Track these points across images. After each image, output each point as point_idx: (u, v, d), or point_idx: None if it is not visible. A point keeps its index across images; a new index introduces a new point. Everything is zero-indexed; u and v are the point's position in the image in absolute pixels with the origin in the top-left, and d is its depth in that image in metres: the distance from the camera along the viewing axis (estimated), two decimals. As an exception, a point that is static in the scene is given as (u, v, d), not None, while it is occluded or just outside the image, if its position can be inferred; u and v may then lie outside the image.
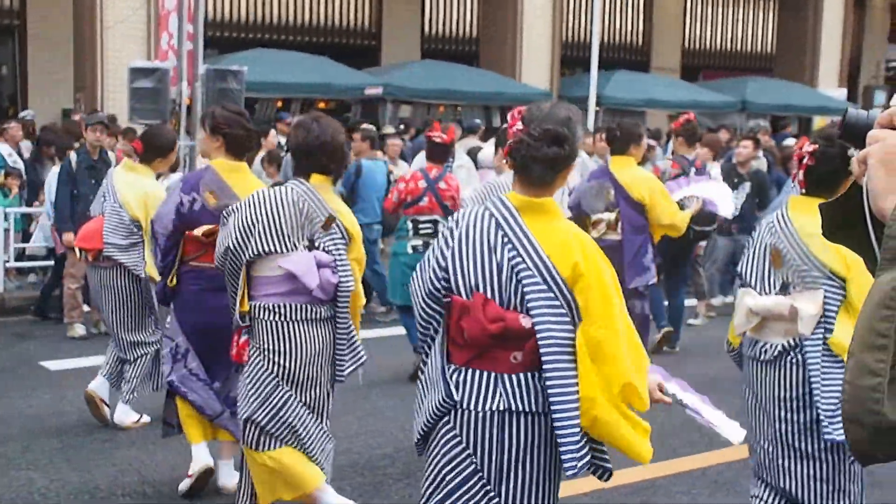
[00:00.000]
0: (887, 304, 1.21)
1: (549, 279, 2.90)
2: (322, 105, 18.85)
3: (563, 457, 2.91)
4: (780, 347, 3.76)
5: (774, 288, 3.79)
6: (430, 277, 3.02)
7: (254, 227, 4.21)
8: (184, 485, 5.16)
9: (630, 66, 21.91)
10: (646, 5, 24.20)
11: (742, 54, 25.84)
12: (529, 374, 2.92)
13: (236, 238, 4.22)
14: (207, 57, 14.20)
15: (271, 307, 4.25)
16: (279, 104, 17.52)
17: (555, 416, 2.89)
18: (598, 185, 7.35)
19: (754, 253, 3.86)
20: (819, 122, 20.06)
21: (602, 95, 18.55)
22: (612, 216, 7.31)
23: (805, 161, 3.61)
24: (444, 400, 2.98)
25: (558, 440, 2.91)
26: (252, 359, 4.31)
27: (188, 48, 13.08)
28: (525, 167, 2.96)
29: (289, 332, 4.26)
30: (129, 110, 12.24)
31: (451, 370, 2.99)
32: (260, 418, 4.31)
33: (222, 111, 5.05)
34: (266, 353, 4.28)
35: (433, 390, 3.03)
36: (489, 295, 2.92)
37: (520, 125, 2.93)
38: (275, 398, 4.30)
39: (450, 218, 3.10)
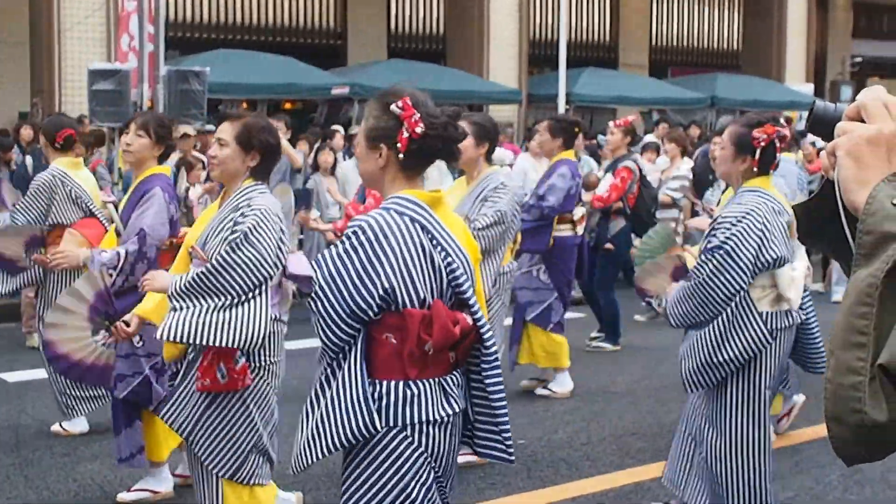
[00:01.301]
0: (864, 301, 1.21)
1: (469, 271, 2.97)
2: (288, 106, 18.64)
3: (507, 443, 3.01)
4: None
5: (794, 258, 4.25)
6: (352, 295, 2.80)
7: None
8: (132, 496, 5.03)
9: (598, 64, 21.91)
10: (612, 3, 24.28)
11: (709, 51, 26.06)
12: (459, 372, 2.98)
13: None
14: (169, 58, 14.00)
15: (277, 317, 3.99)
16: (244, 105, 17.28)
17: (498, 404, 2.98)
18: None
19: (779, 234, 4.14)
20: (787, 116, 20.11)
21: (571, 93, 18.54)
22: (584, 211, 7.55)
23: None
24: (395, 419, 2.87)
25: (502, 428, 2.99)
26: (257, 380, 3.97)
27: (149, 49, 12.85)
28: (429, 159, 2.97)
29: (283, 344, 4.11)
30: (89, 113, 12.00)
31: (400, 386, 2.87)
32: (267, 445, 4.05)
33: (163, 118, 5.20)
34: (269, 368, 4.00)
35: (354, 409, 2.84)
36: (437, 298, 2.89)
37: (417, 116, 2.85)
38: (275, 418, 4.11)
39: (355, 230, 2.84)
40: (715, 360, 4.13)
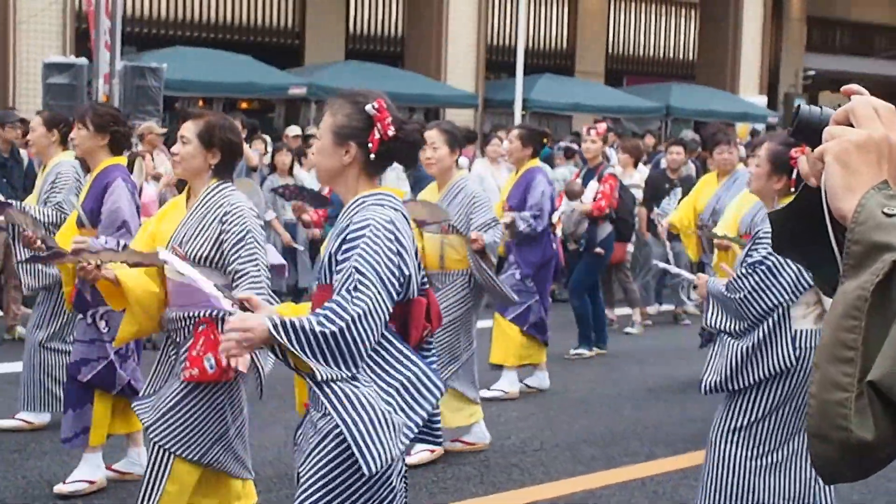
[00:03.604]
0: (852, 315, 1.15)
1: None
2: (245, 105, 18.56)
3: (435, 426, 3.12)
4: None
5: None
6: (395, 285, 2.85)
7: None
8: (69, 487, 5.04)
9: (555, 71, 22.06)
10: (570, 11, 24.46)
11: (665, 61, 26.33)
12: None
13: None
14: (125, 54, 13.89)
15: None
16: (201, 103, 17.20)
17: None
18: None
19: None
20: (741, 127, 20.39)
21: (528, 99, 18.68)
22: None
23: None
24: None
25: (436, 411, 3.07)
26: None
27: (104, 42, 12.76)
28: (392, 161, 3.11)
29: None
30: (43, 107, 11.88)
31: None
32: (234, 442, 4.07)
33: (104, 107, 5.13)
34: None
35: (428, 388, 2.90)
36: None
37: (390, 119, 2.96)
38: (244, 416, 4.17)
39: (370, 226, 2.87)
40: (740, 371, 4.10)
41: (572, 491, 5.42)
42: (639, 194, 10.54)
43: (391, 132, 2.93)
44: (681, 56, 26.49)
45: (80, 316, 5.12)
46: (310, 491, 2.87)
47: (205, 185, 4.04)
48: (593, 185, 8.40)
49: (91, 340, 5.06)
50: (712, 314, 4.22)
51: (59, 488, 5.06)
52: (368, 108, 2.92)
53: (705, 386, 4.19)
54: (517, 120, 17.65)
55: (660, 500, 5.37)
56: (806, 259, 1.42)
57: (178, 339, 4.06)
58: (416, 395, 2.85)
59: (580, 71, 23.82)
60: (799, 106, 1.38)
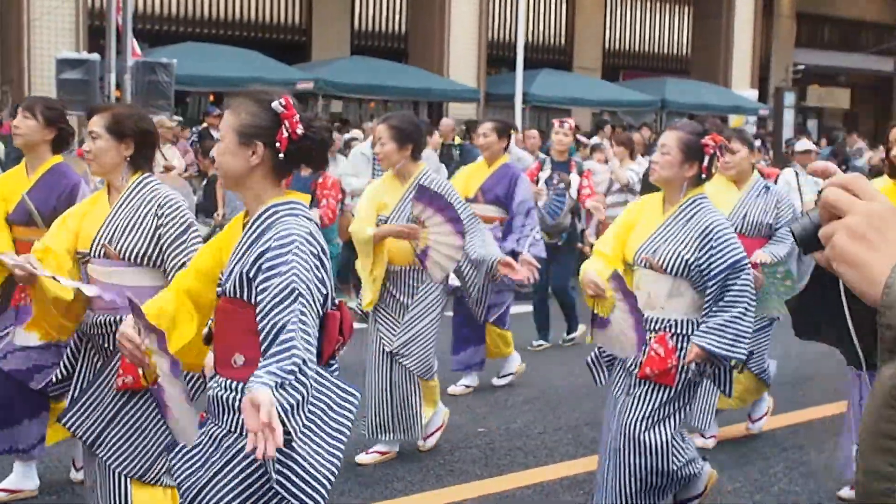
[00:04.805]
0: (891, 404, 1.11)
1: None
2: (252, 99, 18.85)
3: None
4: None
5: None
6: (320, 302, 2.78)
7: None
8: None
9: (553, 66, 22.37)
10: (568, 8, 24.78)
11: (660, 56, 26.66)
12: None
13: None
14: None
15: None
16: (211, 98, 17.53)
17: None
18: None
19: None
20: (735, 120, 20.84)
21: (528, 93, 18.96)
22: None
23: None
24: None
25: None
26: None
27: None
28: (300, 162, 2.95)
29: None
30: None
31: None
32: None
33: (55, 102, 4.90)
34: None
35: (346, 406, 2.85)
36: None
37: (297, 117, 2.80)
38: None
39: (294, 240, 2.74)
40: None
41: (575, 472, 5.46)
42: (637, 186, 10.64)
43: (300, 130, 2.76)
44: (675, 51, 26.84)
45: None
46: None
47: (123, 179, 3.88)
48: (575, 178, 8.30)
49: (47, 346, 4.45)
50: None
51: None
52: (275, 104, 2.75)
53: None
54: (517, 113, 18.06)
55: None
56: (828, 339, 1.38)
57: (104, 345, 3.85)
58: (340, 411, 2.79)
59: (578, 66, 24.11)
60: (791, 230, 1.34)
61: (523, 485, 5.27)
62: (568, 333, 8.79)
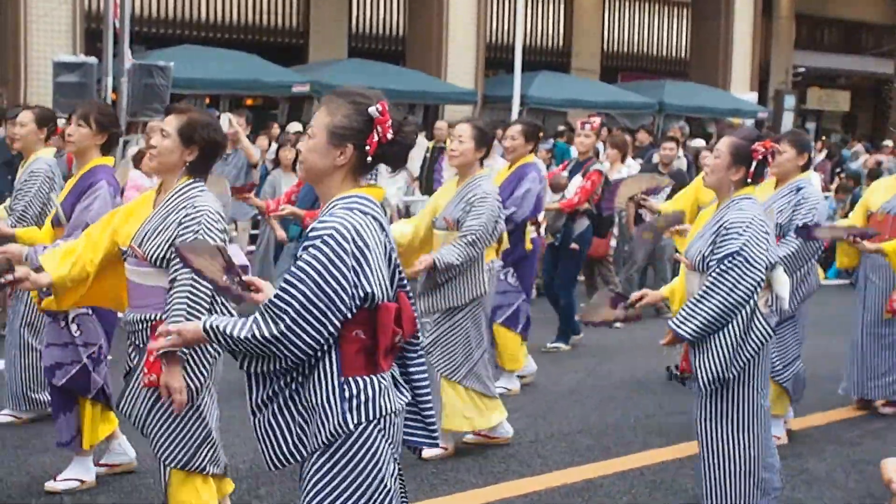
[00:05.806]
0: None
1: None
2: (249, 102, 18.87)
3: (432, 428, 3.14)
4: None
5: None
6: (343, 300, 2.77)
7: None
8: (61, 485, 4.99)
9: (551, 68, 22.36)
10: (566, 10, 24.79)
11: (658, 58, 26.70)
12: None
13: None
14: (134, 52, 14.15)
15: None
16: (207, 101, 17.49)
17: (423, 391, 3.08)
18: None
19: (773, 238, 4.47)
20: (733, 123, 20.76)
21: (525, 95, 18.92)
22: None
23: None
24: (371, 413, 2.86)
25: (427, 414, 3.12)
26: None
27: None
28: (383, 162, 2.97)
29: None
30: (53, 104, 12.10)
31: (373, 381, 2.87)
32: (217, 439, 4.04)
33: (107, 107, 5.04)
34: (213, 365, 4.04)
35: (334, 408, 2.85)
36: (398, 290, 2.98)
37: (390, 122, 2.87)
38: (217, 412, 4.13)
39: (332, 235, 2.78)
40: (737, 360, 4.25)
41: (572, 481, 5.42)
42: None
43: (390, 135, 2.85)
44: (673, 54, 26.86)
45: (51, 320, 4.99)
46: (313, 492, 2.87)
47: (176, 181, 3.93)
48: (577, 179, 8.27)
49: (65, 344, 4.92)
50: (705, 366, 4.25)
51: (50, 485, 4.97)
52: (372, 110, 2.83)
53: (702, 382, 4.26)
54: (515, 115, 18.01)
55: (659, 488, 5.38)
56: None
57: (138, 343, 3.99)
58: (315, 415, 2.87)
59: (576, 68, 24.12)
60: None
61: (520, 493, 5.25)
62: (555, 341, 8.60)
